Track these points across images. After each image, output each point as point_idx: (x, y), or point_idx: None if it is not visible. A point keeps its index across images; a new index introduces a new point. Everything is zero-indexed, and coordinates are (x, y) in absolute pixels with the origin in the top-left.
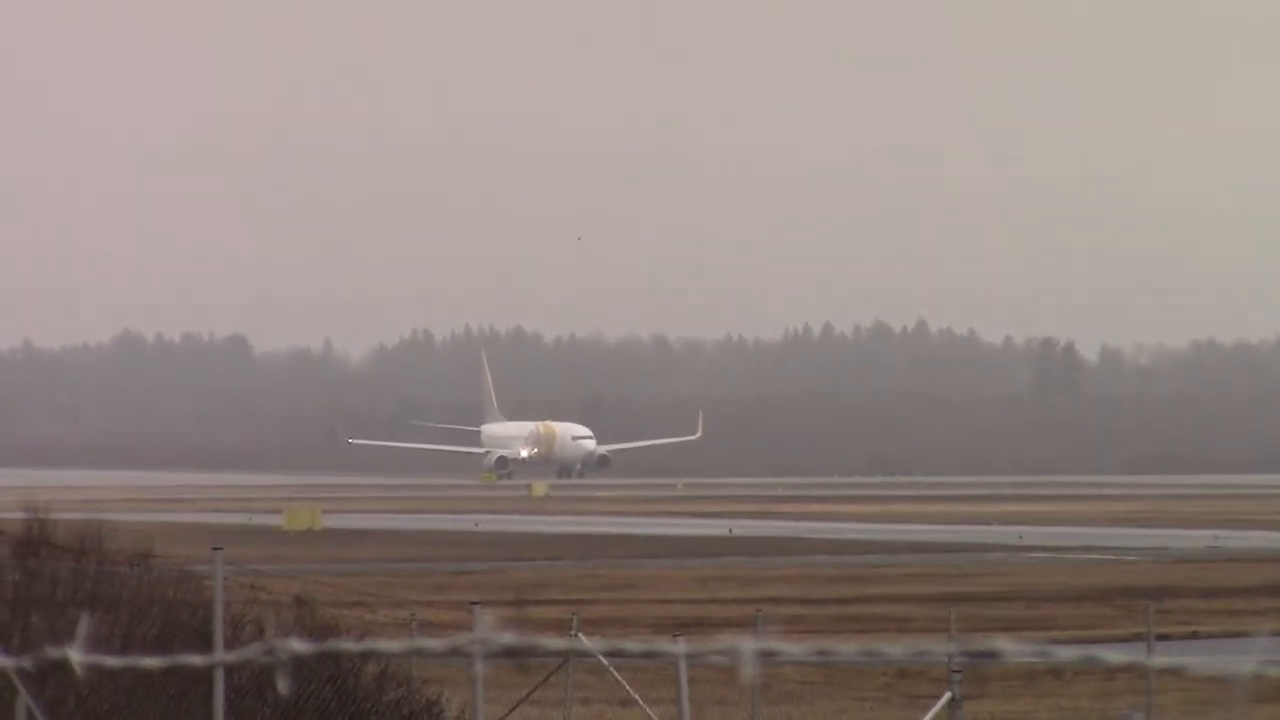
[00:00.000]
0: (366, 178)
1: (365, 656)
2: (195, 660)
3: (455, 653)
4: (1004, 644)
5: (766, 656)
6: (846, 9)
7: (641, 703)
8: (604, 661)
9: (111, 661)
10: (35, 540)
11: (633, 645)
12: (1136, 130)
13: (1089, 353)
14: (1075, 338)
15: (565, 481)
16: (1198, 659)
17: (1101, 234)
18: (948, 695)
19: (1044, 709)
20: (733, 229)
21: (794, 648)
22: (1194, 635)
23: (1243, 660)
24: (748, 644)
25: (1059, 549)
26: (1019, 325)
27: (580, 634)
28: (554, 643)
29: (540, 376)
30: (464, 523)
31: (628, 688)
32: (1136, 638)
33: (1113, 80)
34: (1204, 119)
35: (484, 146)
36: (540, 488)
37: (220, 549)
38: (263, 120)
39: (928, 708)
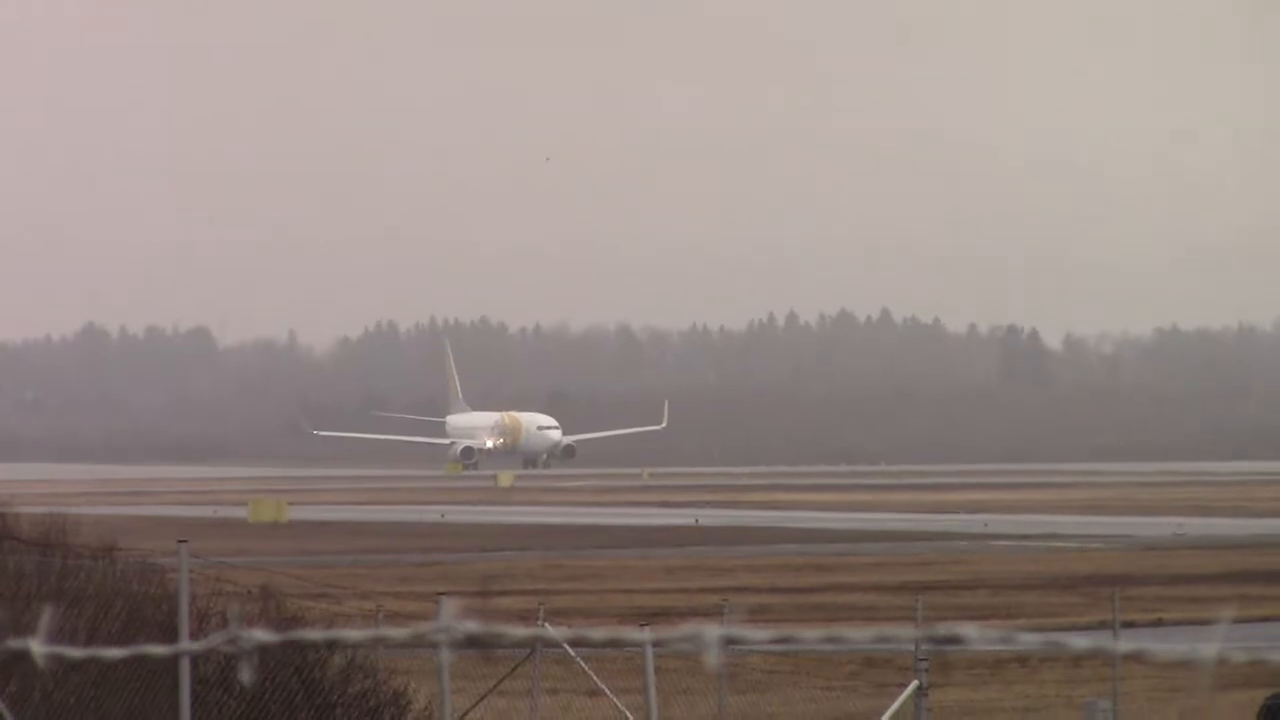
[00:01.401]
0: (330, 167)
1: (330, 646)
2: (159, 650)
3: (419, 641)
4: (968, 630)
5: (731, 643)
6: None
7: (609, 692)
8: (570, 651)
9: (74, 653)
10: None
11: (597, 633)
12: (1099, 117)
13: (1053, 341)
14: (1039, 326)
15: (531, 472)
16: (1161, 645)
17: (1063, 221)
18: (914, 683)
19: (1011, 696)
20: (694, 219)
21: (758, 634)
22: (1159, 622)
23: (1205, 645)
24: (712, 631)
25: (1024, 537)
26: (983, 313)
27: (546, 624)
28: (517, 631)
29: (505, 367)
30: (430, 513)
31: (595, 678)
32: (1102, 625)
33: (1076, 69)
34: (1164, 105)
35: (445, 133)
36: (506, 478)
37: (185, 541)
38: (225, 110)
39: (895, 696)
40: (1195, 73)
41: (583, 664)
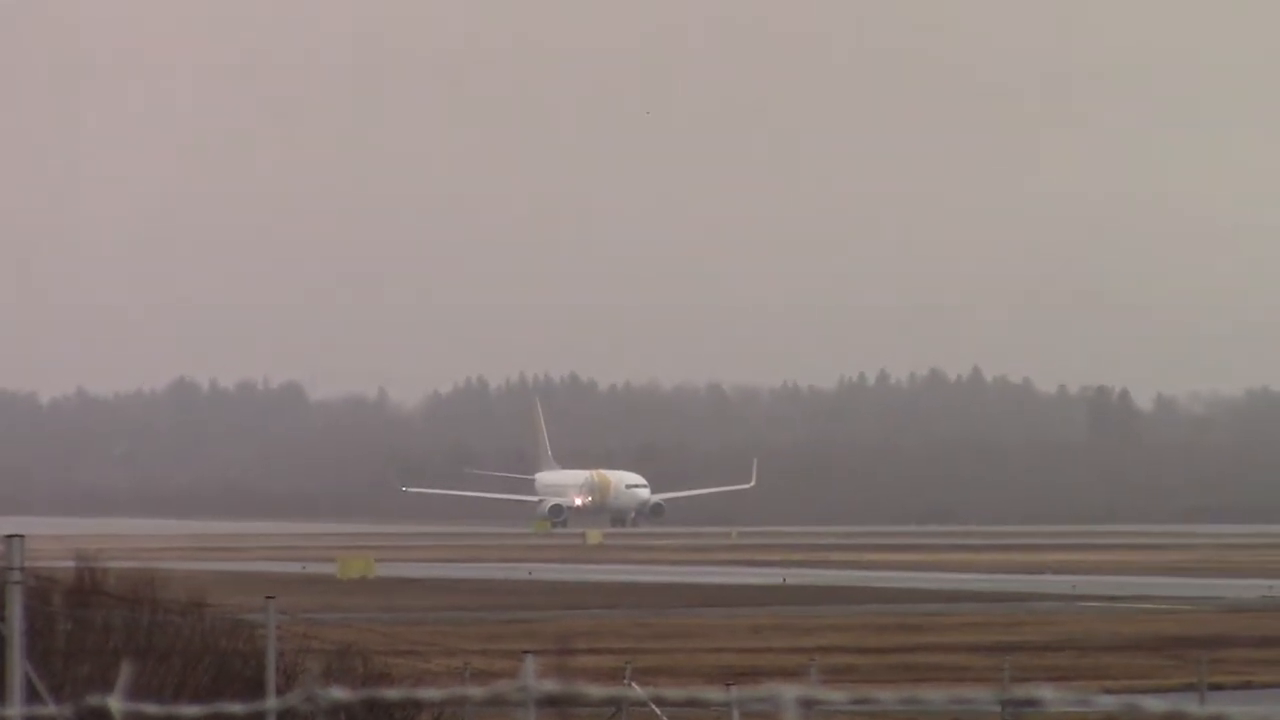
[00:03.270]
0: (421, 222)
1: (410, 704)
2: (236, 709)
3: (499, 700)
4: (1045, 692)
5: (809, 704)
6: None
7: None
8: (657, 710)
9: (151, 709)
10: (87, 589)
11: (675, 693)
12: (1196, 177)
13: (1143, 401)
14: (1129, 386)
15: (619, 530)
16: (1241, 708)
17: (1154, 280)
18: None
19: None
20: (787, 275)
21: (835, 695)
22: (1248, 685)
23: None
24: (790, 690)
25: (1112, 598)
26: (1073, 373)
27: (633, 683)
28: (596, 690)
29: (595, 424)
30: (518, 571)
31: None
32: (1189, 688)
33: (1166, 126)
34: (1248, 161)
35: (540, 195)
36: (595, 536)
37: (273, 597)
38: (316, 164)
39: None
40: None
41: None
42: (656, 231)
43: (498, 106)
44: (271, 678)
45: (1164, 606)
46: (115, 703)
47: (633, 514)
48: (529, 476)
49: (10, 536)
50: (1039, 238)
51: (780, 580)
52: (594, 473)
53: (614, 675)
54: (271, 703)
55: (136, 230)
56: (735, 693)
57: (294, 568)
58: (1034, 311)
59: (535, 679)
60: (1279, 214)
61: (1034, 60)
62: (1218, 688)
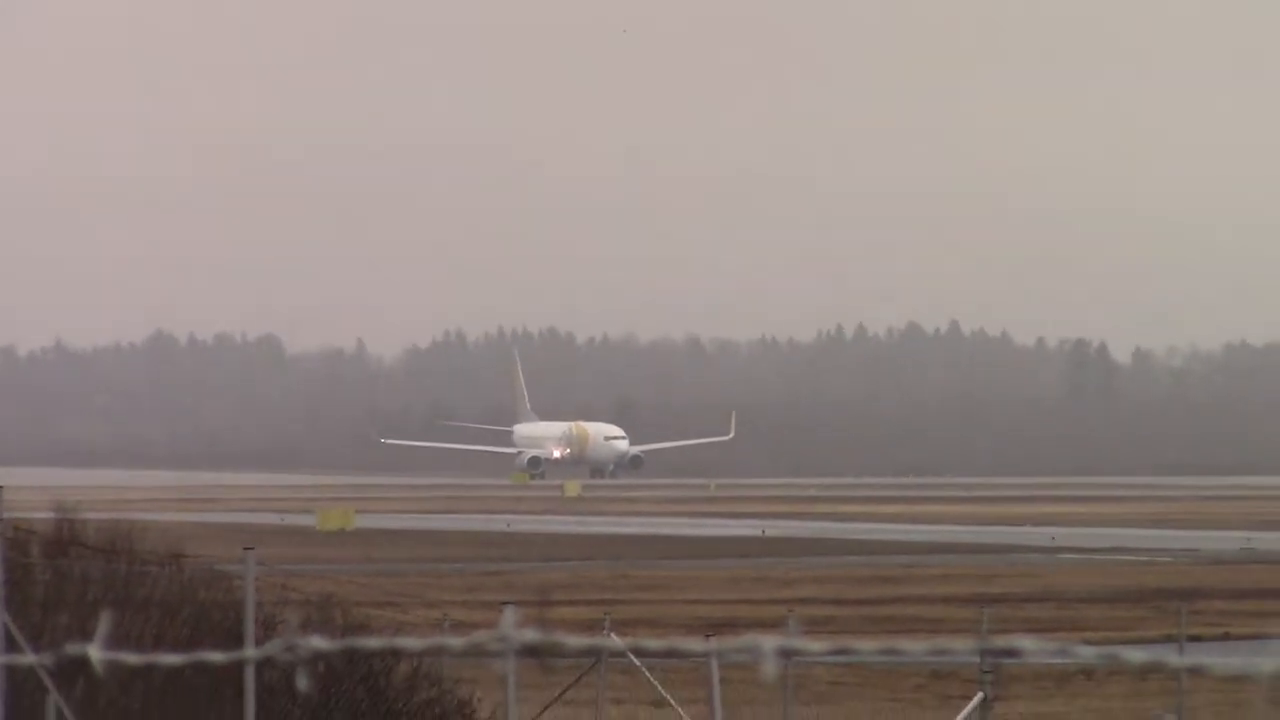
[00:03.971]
0: (398, 179)
1: (391, 654)
2: (215, 657)
3: (478, 650)
4: (1026, 643)
5: (788, 655)
6: (855, 19)
7: (674, 703)
8: (636, 661)
9: (131, 659)
10: (66, 540)
11: (654, 643)
12: (1166, 135)
13: (1121, 355)
14: (1108, 339)
15: (598, 482)
16: (1220, 659)
17: (1131, 235)
18: (979, 695)
19: (1076, 710)
20: (765, 230)
21: (814, 645)
22: (1226, 636)
23: (1264, 660)
24: (769, 641)
25: (1091, 550)
26: (1051, 327)
27: (613, 634)
28: (576, 640)
29: (573, 377)
30: (497, 523)
31: (660, 688)
32: (1168, 639)
33: (1136, 86)
34: (1241, 122)
35: (515, 149)
36: (573, 488)
37: (251, 549)
38: (295, 123)
39: (960, 708)
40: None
41: (648, 674)
42: (627, 186)
43: (486, 57)
44: (250, 628)
45: (1143, 558)
46: (95, 652)
47: (611, 466)
48: (507, 429)
49: None
50: (1018, 191)
51: (759, 532)
52: (572, 425)
53: (593, 626)
54: (250, 652)
55: (113, 183)
56: (714, 643)
57: (273, 519)
58: (1011, 265)
59: (514, 629)
60: (1260, 171)
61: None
62: (1196, 639)
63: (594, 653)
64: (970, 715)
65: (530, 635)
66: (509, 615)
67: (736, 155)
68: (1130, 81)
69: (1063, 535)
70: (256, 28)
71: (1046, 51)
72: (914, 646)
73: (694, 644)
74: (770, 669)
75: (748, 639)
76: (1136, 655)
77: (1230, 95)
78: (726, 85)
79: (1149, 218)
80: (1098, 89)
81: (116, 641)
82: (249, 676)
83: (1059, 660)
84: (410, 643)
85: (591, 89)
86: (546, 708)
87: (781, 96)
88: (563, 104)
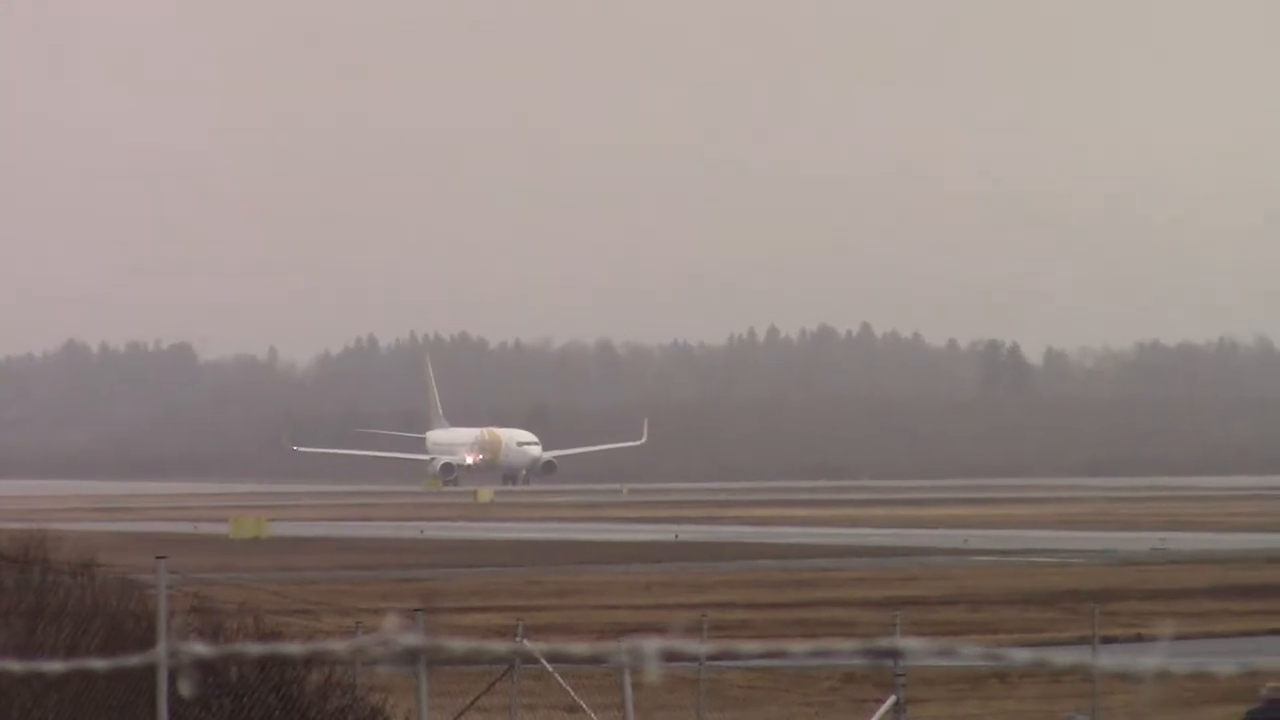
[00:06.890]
0: (311, 185)
1: (272, 659)
2: (97, 664)
3: (359, 654)
4: (909, 643)
5: (672, 658)
6: (797, 13)
7: (587, 709)
8: (549, 667)
9: (15, 667)
10: None
11: (541, 646)
12: (1079, 136)
13: (1034, 355)
14: (1020, 340)
15: (511, 488)
16: (1106, 660)
17: (1043, 236)
18: (892, 699)
19: (990, 712)
20: (677, 234)
21: (700, 648)
22: (1138, 637)
23: (1146, 660)
24: (651, 644)
25: (1004, 552)
26: (964, 328)
27: (525, 640)
28: (459, 644)
29: (486, 383)
30: (410, 529)
31: (573, 694)
32: (1082, 640)
33: (1053, 88)
34: (1145, 125)
35: (434, 154)
36: (486, 494)
37: (164, 557)
38: (211, 124)
39: (873, 712)
40: (1187, 86)
41: (560, 680)
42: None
43: (398, 51)
44: (163, 638)
45: (1055, 560)
46: None
47: (524, 472)
48: (420, 435)
49: None
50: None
51: (673, 536)
52: (485, 430)
53: (506, 632)
54: (132, 659)
55: (24, 190)
56: (599, 646)
57: (186, 528)
58: (923, 266)
59: (397, 633)
60: (1169, 168)
61: None
62: (1110, 640)
63: (476, 657)
64: (884, 718)
65: (412, 639)
66: (391, 620)
67: (644, 158)
68: (1031, 88)
69: (975, 537)
70: (147, 28)
71: (935, 66)
72: (799, 649)
73: (578, 648)
74: (654, 672)
75: (630, 641)
76: (1021, 655)
77: (1157, 97)
78: (648, 80)
79: (1056, 216)
80: (1019, 87)
81: (28, 651)
82: (162, 684)
83: (980, 663)
84: (293, 648)
85: (511, 84)
86: (459, 715)
87: (702, 91)
88: (473, 99)
